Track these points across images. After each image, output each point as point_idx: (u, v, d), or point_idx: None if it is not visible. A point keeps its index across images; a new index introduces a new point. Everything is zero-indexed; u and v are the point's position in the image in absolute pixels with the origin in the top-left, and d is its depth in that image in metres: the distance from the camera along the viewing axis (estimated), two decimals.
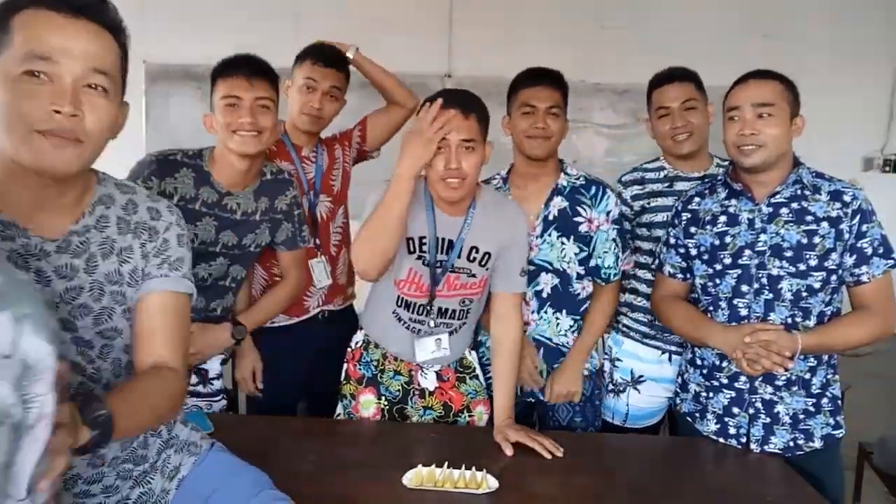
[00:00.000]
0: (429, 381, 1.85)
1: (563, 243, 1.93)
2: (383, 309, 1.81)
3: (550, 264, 1.93)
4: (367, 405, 1.84)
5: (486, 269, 1.77)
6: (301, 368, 2.14)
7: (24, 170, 0.96)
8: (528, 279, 1.85)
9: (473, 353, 1.94)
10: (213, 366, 1.97)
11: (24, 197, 1.01)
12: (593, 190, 1.94)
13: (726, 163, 2.04)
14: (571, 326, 1.97)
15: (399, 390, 1.85)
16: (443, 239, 1.73)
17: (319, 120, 2.12)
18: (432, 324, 1.78)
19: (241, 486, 1.22)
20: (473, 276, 1.76)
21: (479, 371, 1.92)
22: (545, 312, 1.96)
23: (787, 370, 1.58)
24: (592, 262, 1.95)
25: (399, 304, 1.78)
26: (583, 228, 1.93)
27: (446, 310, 1.78)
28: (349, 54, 2.17)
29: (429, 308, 1.76)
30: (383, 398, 1.85)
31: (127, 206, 1.14)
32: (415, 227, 1.71)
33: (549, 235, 1.92)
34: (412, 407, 1.86)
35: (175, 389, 1.12)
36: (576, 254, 1.93)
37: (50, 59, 0.94)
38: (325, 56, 2.10)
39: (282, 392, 2.13)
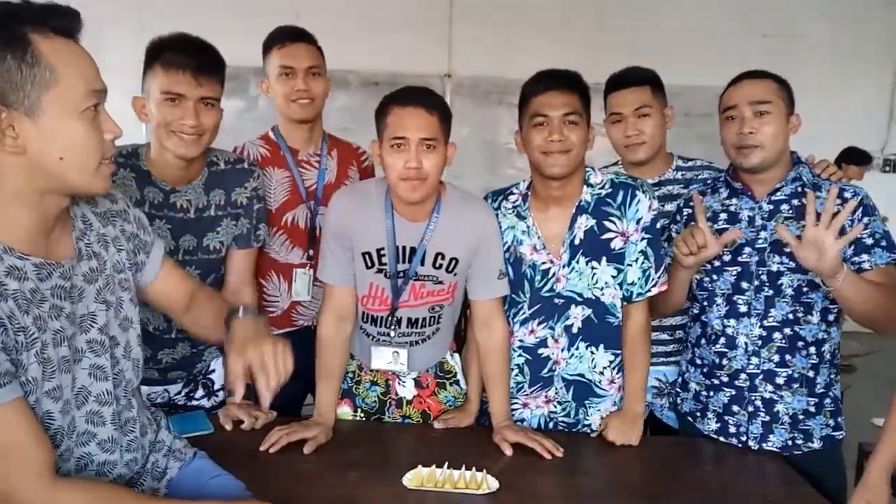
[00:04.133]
0: (406, 390, 1.83)
1: (593, 268, 1.68)
2: (355, 323, 1.77)
3: (580, 295, 1.70)
4: (344, 417, 1.82)
5: (455, 275, 1.70)
6: (306, 366, 2.11)
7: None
8: (556, 314, 1.71)
9: (456, 356, 1.89)
10: (218, 375, 1.90)
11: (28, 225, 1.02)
12: (620, 196, 1.68)
13: (687, 164, 2.04)
14: (612, 362, 1.74)
15: (375, 401, 1.83)
16: (403, 247, 1.66)
17: (311, 102, 1.94)
18: (400, 335, 1.74)
19: (224, 487, 1.30)
20: (440, 282, 1.70)
21: (460, 376, 1.87)
22: (576, 349, 1.73)
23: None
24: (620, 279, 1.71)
25: (364, 319, 1.75)
26: (616, 244, 1.68)
27: (415, 319, 1.73)
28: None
29: (390, 320, 1.72)
30: (359, 410, 1.84)
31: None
32: (372, 238, 1.65)
33: (577, 262, 1.69)
34: (389, 417, 1.83)
35: None
36: (613, 277, 1.69)
37: None
38: (290, 35, 1.96)
39: (286, 389, 2.10)
